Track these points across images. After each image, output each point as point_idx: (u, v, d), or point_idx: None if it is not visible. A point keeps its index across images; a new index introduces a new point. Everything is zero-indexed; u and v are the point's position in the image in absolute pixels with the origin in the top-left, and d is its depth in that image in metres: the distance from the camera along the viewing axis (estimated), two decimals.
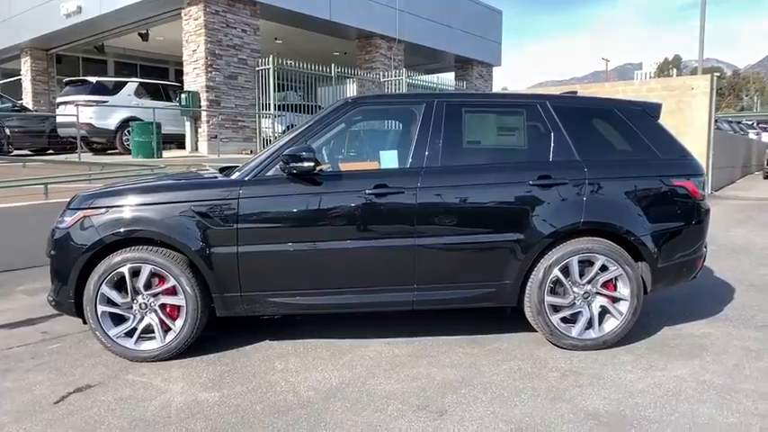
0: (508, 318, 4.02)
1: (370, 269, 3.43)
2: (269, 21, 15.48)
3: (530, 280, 3.47)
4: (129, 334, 3.41)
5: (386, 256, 3.41)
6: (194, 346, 3.57)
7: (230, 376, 3.21)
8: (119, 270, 3.34)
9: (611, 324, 3.52)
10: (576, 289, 3.49)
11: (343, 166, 3.71)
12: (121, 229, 3.34)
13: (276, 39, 19.20)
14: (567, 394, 2.93)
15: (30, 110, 15.26)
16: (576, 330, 3.49)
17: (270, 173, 3.42)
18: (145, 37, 17.42)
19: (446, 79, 20.96)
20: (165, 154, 11.46)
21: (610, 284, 3.53)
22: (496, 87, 17.80)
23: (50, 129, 13.00)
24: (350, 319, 4.11)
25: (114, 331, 3.39)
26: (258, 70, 14.14)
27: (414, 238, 3.39)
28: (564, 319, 3.53)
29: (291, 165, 3.29)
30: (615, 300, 3.52)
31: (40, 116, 13.67)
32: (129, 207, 3.39)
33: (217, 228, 3.35)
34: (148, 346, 3.41)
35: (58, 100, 13.19)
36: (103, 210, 3.40)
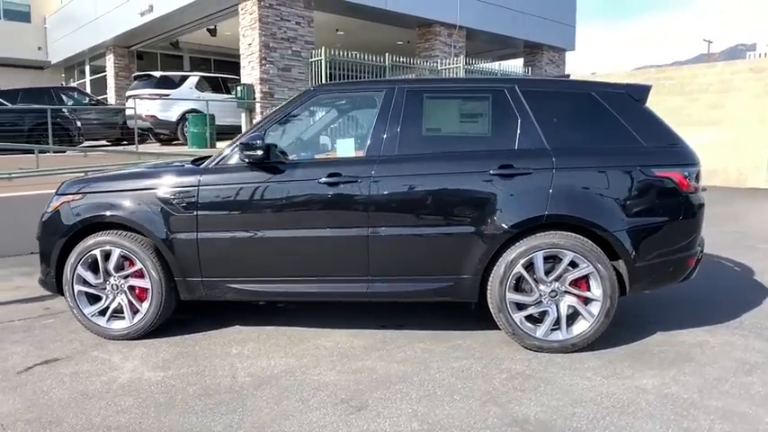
0: (487, 315, 3.85)
1: (324, 259, 3.40)
2: (325, 12, 15.66)
3: (491, 275, 3.29)
4: (102, 313, 3.60)
5: (339, 246, 3.36)
6: (167, 327, 3.73)
7: (183, 358, 3.31)
8: (92, 252, 3.53)
9: (580, 326, 3.27)
10: (542, 287, 3.27)
11: (317, 156, 3.70)
12: (92, 214, 3.53)
13: (338, 30, 19.41)
14: (503, 398, 2.76)
15: (105, 104, 16.44)
16: (540, 331, 3.28)
17: (231, 161, 3.47)
18: (213, 32, 18.23)
19: (512, 66, 20.28)
20: (219, 144, 11.95)
21: (582, 283, 3.27)
22: (575, 73, 16.86)
23: (123, 121, 13.95)
24: (329, 308, 4.10)
25: (89, 310, 3.60)
26: (311, 62, 14.37)
27: (367, 229, 3.32)
28: (530, 318, 3.32)
29: (245, 153, 3.32)
30: (587, 300, 3.27)
31: (114, 109, 14.72)
32: (101, 194, 3.58)
33: (178, 214, 3.45)
34: (118, 325, 3.59)
35: (128, 93, 14.13)
36: (80, 196, 3.61)
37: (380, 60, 15.56)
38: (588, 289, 3.26)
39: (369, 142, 3.40)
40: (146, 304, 3.55)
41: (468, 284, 3.33)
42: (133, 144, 11.79)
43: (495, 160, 3.27)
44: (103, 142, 14.14)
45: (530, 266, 3.25)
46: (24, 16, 25.22)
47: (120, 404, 2.74)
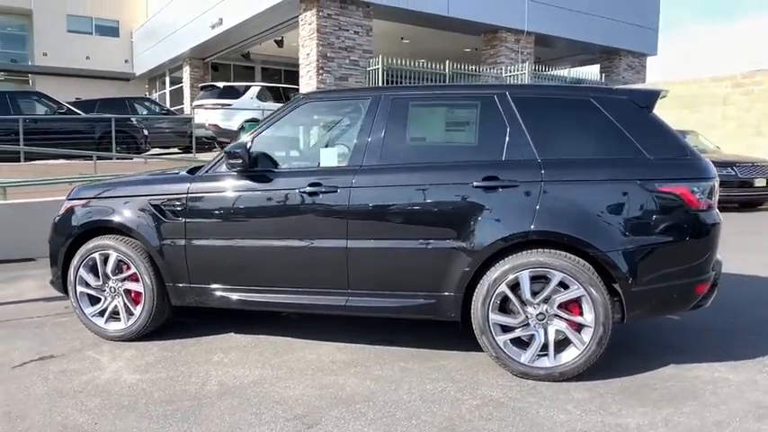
0: None
1: (304, 270, 3.35)
2: (385, 20, 15.76)
3: (474, 294, 3.11)
4: (102, 314, 3.73)
5: (319, 258, 3.30)
6: (165, 330, 3.83)
7: (165, 362, 3.36)
8: (92, 255, 3.68)
9: (570, 354, 3.01)
10: (529, 309, 3.05)
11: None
12: (93, 219, 3.67)
13: (403, 39, 19.50)
14: (464, 427, 2.58)
15: (174, 113, 17.35)
16: (526, 356, 3.05)
17: (220, 170, 3.51)
18: (280, 44, 18.82)
19: (586, 73, 19.45)
20: None
21: (574, 307, 3.02)
22: (663, 80, 15.78)
23: (191, 130, 14.66)
24: (327, 319, 4.04)
25: (89, 310, 3.74)
26: (369, 71, 14.48)
27: (346, 240, 3.23)
28: (518, 342, 3.10)
29: (229, 161, 3.34)
30: (578, 326, 3.01)
31: (183, 119, 15.48)
32: (103, 199, 3.72)
33: (168, 221, 3.52)
34: (114, 326, 3.70)
35: (194, 103, 14.84)
36: (84, 201, 3.77)
37: (440, 68, 15.44)
38: (580, 314, 3.00)
39: (351, 152, 3.32)
40: (139, 308, 3.65)
41: (450, 303, 3.16)
42: (203, 152, 12.36)
43: (480, 171, 3.08)
44: (175, 150, 14.93)
45: (515, 286, 3.04)
46: (113, 31, 27.22)
47: (87, 404, 2.81)
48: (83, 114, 11.59)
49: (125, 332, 3.68)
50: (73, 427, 2.58)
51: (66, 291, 3.82)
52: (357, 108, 3.41)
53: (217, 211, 3.45)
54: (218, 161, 3.51)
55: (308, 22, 14.19)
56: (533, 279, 3.02)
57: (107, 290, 3.72)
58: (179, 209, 3.50)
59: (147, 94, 27.04)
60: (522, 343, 3.10)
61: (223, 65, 23.74)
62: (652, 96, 3.09)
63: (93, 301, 3.76)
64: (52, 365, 3.32)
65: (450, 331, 3.76)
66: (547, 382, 3.03)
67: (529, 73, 16.16)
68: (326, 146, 3.45)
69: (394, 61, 14.46)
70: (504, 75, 16.67)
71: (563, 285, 2.98)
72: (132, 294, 3.68)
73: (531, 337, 3.06)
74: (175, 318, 4.15)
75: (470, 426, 2.58)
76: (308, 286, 3.35)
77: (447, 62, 15.46)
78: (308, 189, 3.27)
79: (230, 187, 3.43)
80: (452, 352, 3.48)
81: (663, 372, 3.20)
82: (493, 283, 3.04)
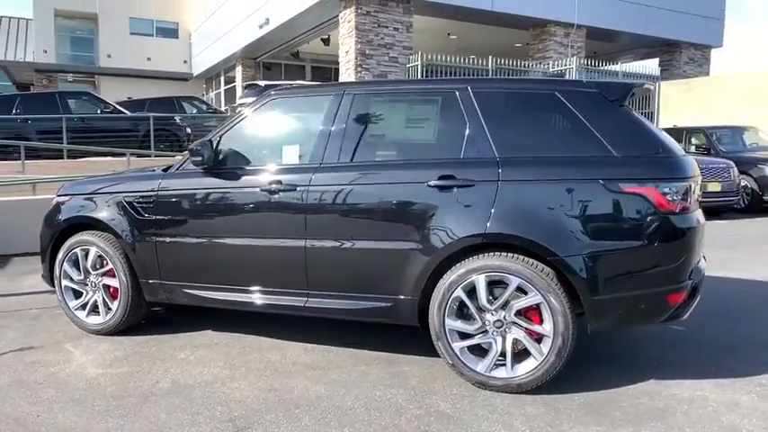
0: None
1: (266, 269, 3.31)
2: (429, 17, 15.54)
3: (431, 298, 2.96)
4: (83, 307, 3.84)
5: (279, 257, 3.25)
6: (148, 325, 3.93)
7: (133, 357, 3.41)
8: (74, 251, 3.79)
9: (528, 365, 2.82)
10: (487, 315, 2.88)
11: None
12: (74, 215, 3.78)
13: (449, 35, 19.17)
14: None
15: (222, 112, 17.80)
16: (482, 365, 2.88)
17: (188, 167, 3.52)
18: (327, 42, 18.94)
19: (641, 67, 18.48)
20: None
21: (534, 315, 2.82)
22: (724, 72, 14.69)
23: None
24: (305, 321, 3.98)
25: (73, 303, 3.86)
26: (408, 67, 14.32)
27: (304, 240, 3.16)
28: (477, 350, 2.94)
29: (192, 159, 3.35)
30: (539, 336, 2.81)
31: (227, 117, 15.88)
32: (83, 196, 3.82)
33: (140, 218, 3.57)
34: (94, 320, 3.80)
35: (237, 102, 15.17)
36: (69, 197, 3.89)
37: (483, 63, 15.05)
38: (541, 322, 2.80)
39: (312, 149, 3.24)
40: (116, 303, 3.72)
41: (407, 306, 3.03)
42: None
43: (436, 170, 2.93)
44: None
45: (472, 291, 2.87)
46: (173, 33, 28.28)
47: (40, 396, 2.89)
48: (128, 113, 12.08)
49: (103, 326, 3.77)
50: (16, 418, 2.65)
51: (53, 284, 3.95)
52: (323, 104, 3.32)
53: (182, 209, 3.47)
54: (187, 159, 3.52)
55: (348, 19, 14.19)
56: (492, 284, 2.85)
57: (89, 284, 3.82)
58: (150, 206, 3.54)
59: (204, 93, 27.97)
60: (482, 351, 2.94)
61: (275, 64, 24.18)
62: (624, 90, 2.84)
63: (77, 294, 3.87)
64: (27, 356, 3.44)
65: (423, 336, 3.63)
66: (504, 394, 2.85)
67: (577, 68, 15.48)
68: (291, 143, 3.39)
69: (433, 57, 14.21)
70: (551, 70, 16.07)
71: (523, 292, 2.80)
72: (111, 290, 3.76)
73: (490, 345, 2.89)
74: (165, 313, 4.25)
75: None
76: (268, 286, 3.31)
77: (490, 57, 15.05)
78: (268, 187, 3.22)
79: (195, 185, 3.43)
80: (419, 357, 3.35)
81: (638, 387, 2.95)
82: (448, 287, 2.89)
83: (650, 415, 2.65)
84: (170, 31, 28.34)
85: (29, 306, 4.49)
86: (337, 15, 14.95)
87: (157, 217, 3.52)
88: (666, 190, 2.66)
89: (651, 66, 19.91)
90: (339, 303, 3.17)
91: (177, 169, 3.56)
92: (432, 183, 2.91)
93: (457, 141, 2.98)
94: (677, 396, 2.85)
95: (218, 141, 3.45)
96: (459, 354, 2.92)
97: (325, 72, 24.25)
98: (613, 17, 17.70)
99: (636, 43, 20.22)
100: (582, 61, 16.33)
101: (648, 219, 2.66)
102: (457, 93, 3.02)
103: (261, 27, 18.40)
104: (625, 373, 3.11)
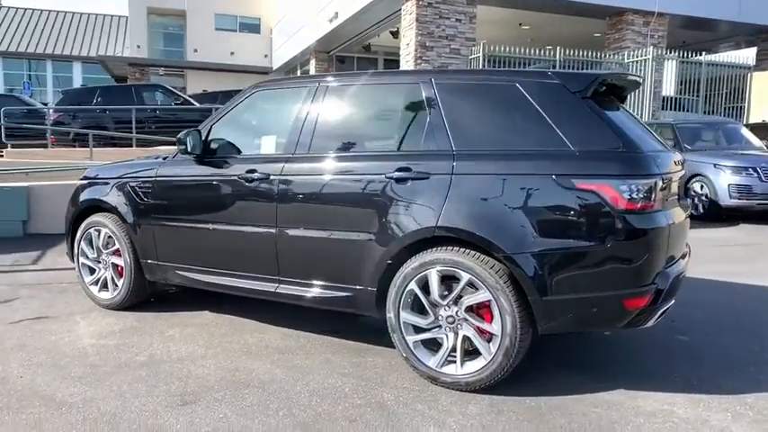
0: None
1: (243, 254, 3.45)
2: (497, 7, 15.16)
3: (389, 290, 2.96)
4: (96, 283, 4.17)
5: (254, 243, 3.37)
6: (157, 302, 4.21)
7: (128, 332, 3.66)
8: (89, 231, 4.12)
9: (477, 363, 2.75)
10: (440, 310, 2.84)
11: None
12: (90, 197, 4.11)
13: (521, 25, 18.61)
14: (321, 425, 2.50)
15: None
16: (434, 360, 2.85)
17: (181, 156, 3.71)
18: (395, 35, 18.94)
19: (731, 56, 17.01)
20: None
21: (486, 312, 2.75)
22: None
23: None
24: (298, 307, 4.11)
25: (88, 279, 4.20)
26: (470, 59, 14.05)
27: (276, 228, 3.26)
28: (432, 344, 2.91)
29: (178, 147, 3.53)
30: (489, 335, 2.74)
31: None
32: (100, 181, 4.13)
33: (140, 202, 3.82)
34: (104, 295, 4.12)
35: None
36: (87, 182, 4.22)
37: (549, 54, 14.50)
38: (492, 321, 2.72)
39: (287, 140, 3.33)
40: (122, 281, 4.01)
41: (366, 297, 3.05)
42: None
43: (395, 162, 2.92)
44: None
45: (426, 285, 2.84)
46: (255, 28, 29.43)
47: (33, 360, 3.19)
48: (196, 105, 12.79)
49: (110, 302, 4.07)
50: (1, 379, 2.95)
51: (74, 261, 4.32)
52: (299, 96, 3.39)
53: (173, 195, 3.68)
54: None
55: (409, 12, 14.15)
56: (445, 279, 2.81)
57: (101, 262, 4.14)
58: (148, 191, 3.78)
59: None
60: (437, 346, 2.90)
61: (347, 57, 24.57)
62: (588, 81, 2.67)
63: (92, 271, 4.20)
64: (39, 324, 3.79)
65: None
66: (454, 391, 2.81)
67: (653, 58, 14.54)
68: (270, 134, 3.49)
69: (496, 48, 13.86)
70: (625, 61, 15.19)
71: (475, 288, 2.73)
72: (118, 268, 4.06)
73: (442, 340, 2.85)
74: (176, 293, 4.50)
75: (329, 426, 2.49)
76: (245, 271, 3.45)
77: (557, 48, 14.46)
78: (246, 176, 3.34)
79: (184, 173, 3.64)
80: (389, 349, 3.33)
81: (600, 396, 2.79)
82: (403, 279, 2.88)
83: (595, 426, 2.51)
84: (252, 26, 29.51)
85: (60, 280, 4.93)
86: (400, 9, 14.95)
87: (154, 202, 3.75)
88: (623, 187, 2.48)
89: (745, 55, 18.27)
90: (305, 291, 3.24)
91: (174, 157, 3.77)
92: (389, 175, 2.90)
93: (419, 133, 2.95)
94: (639, 408, 2.67)
95: (209, 131, 3.61)
96: (412, 347, 2.90)
97: (397, 64, 24.32)
98: (701, 4, 16.39)
99: (733, 31, 18.61)
100: (661, 51, 15.31)
101: (602, 217, 2.50)
102: (420, 85, 2.98)
103: (331, 21, 18.76)
104: (595, 380, 2.96)
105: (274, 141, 3.45)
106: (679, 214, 2.81)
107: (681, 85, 16.26)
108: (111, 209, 3.98)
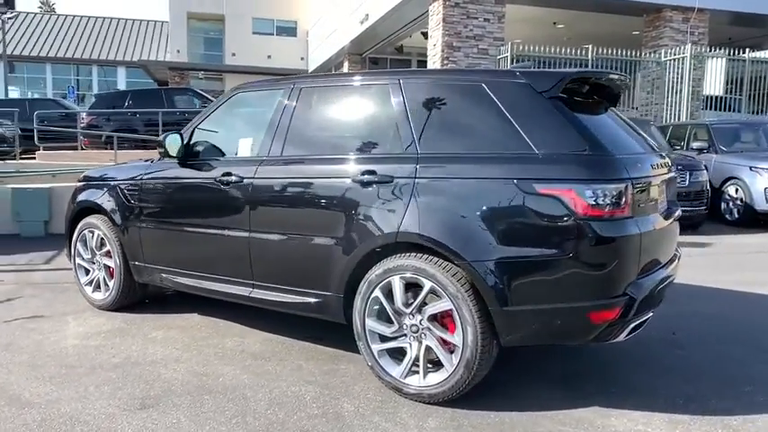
0: None
1: (220, 258, 3.44)
2: (529, 6, 14.85)
3: (355, 297, 2.89)
4: (90, 283, 4.25)
5: (229, 247, 3.36)
6: (150, 305, 4.25)
7: (113, 333, 3.71)
8: (83, 232, 4.20)
9: (439, 375, 2.65)
10: (405, 319, 2.74)
11: None
12: (84, 199, 4.19)
13: (555, 24, 18.18)
14: None
15: None
16: (398, 370, 2.76)
17: (166, 159, 3.73)
18: (426, 36, 18.85)
19: None
20: None
21: (450, 322, 2.64)
22: None
23: None
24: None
25: (83, 279, 4.29)
26: (498, 59, 13.79)
27: (249, 232, 3.23)
28: (397, 354, 2.81)
29: (159, 150, 3.55)
30: (451, 345, 2.62)
31: None
32: (94, 182, 4.21)
33: (128, 204, 3.87)
34: (97, 296, 4.19)
35: None
36: (83, 183, 4.31)
37: (581, 54, 14.08)
38: (455, 331, 2.61)
39: (261, 142, 3.30)
40: (112, 282, 4.07)
41: (334, 303, 2.98)
42: None
43: (361, 165, 2.84)
44: None
45: (391, 292, 2.75)
46: (292, 31, 29.82)
47: (15, 359, 3.26)
48: None
49: (102, 302, 4.14)
50: None
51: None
52: (275, 98, 3.35)
53: (157, 198, 3.71)
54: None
55: (436, 12, 14.01)
56: (410, 286, 2.71)
57: (95, 263, 4.22)
58: (135, 194, 3.83)
59: None
60: (404, 356, 2.80)
61: (380, 59, 24.57)
62: (556, 80, 2.52)
63: (87, 272, 4.29)
64: (31, 324, 3.89)
65: None
66: (418, 404, 2.71)
67: (691, 55, 13.92)
68: (247, 136, 3.46)
69: (525, 48, 13.55)
70: (662, 59, 14.61)
71: (438, 296, 2.62)
72: (110, 270, 4.12)
73: (405, 350, 2.76)
74: (171, 294, 4.54)
75: None
76: (221, 274, 3.43)
77: (590, 47, 14.03)
78: (222, 179, 3.33)
79: (167, 176, 3.66)
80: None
81: (571, 413, 2.64)
82: (368, 286, 2.80)
83: None
84: (289, 30, 29.91)
85: (65, 280, 5.05)
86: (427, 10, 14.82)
87: (139, 204, 3.79)
88: (588, 192, 2.33)
89: None
90: (276, 296, 3.20)
91: (159, 160, 3.80)
92: (356, 178, 2.83)
93: (387, 136, 2.87)
94: (610, 427, 2.51)
95: (191, 133, 3.62)
96: (377, 356, 2.82)
97: (427, 66, 24.18)
98: None
99: None
100: (701, 49, 14.66)
101: (565, 225, 2.35)
102: (389, 86, 2.89)
103: (362, 23, 18.80)
104: (570, 396, 2.80)
105: (250, 144, 3.42)
106: (660, 220, 2.63)
107: (727, 84, 15.51)
108: (102, 211, 4.05)
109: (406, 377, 2.73)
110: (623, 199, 2.37)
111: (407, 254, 2.69)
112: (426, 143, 2.71)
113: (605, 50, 14.22)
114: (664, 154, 3.18)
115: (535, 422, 2.55)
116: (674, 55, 14.45)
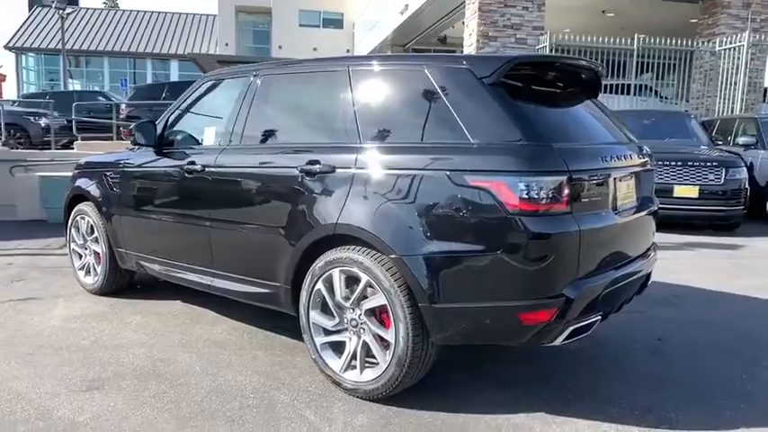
0: None
1: (184, 247, 3.48)
2: None
3: (301, 289, 2.85)
4: (82, 268, 4.40)
5: (191, 235, 3.39)
6: (141, 290, 4.38)
7: (95, 317, 3.81)
8: (76, 218, 4.35)
9: (374, 372, 2.58)
10: (346, 313, 2.69)
11: None
12: (75, 186, 4.33)
13: (604, 12, 17.44)
14: (197, 418, 2.44)
15: None
16: (337, 364, 2.71)
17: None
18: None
19: None
20: None
21: (387, 318, 2.56)
22: None
23: None
24: None
25: (77, 264, 4.44)
26: (537, 49, 13.34)
27: (209, 220, 3.25)
28: (340, 348, 2.76)
29: (130, 139, 3.62)
30: (386, 342, 2.55)
31: None
32: (86, 170, 4.34)
33: (112, 191, 3.97)
34: (88, 281, 4.33)
35: None
36: (78, 171, 4.46)
37: (626, 43, 13.43)
38: (391, 326, 2.53)
39: (223, 131, 3.30)
40: (100, 267, 4.20)
41: (283, 294, 2.95)
42: None
43: (307, 155, 2.79)
44: None
45: (332, 285, 2.70)
46: (338, 23, 29.96)
47: None
48: None
49: (92, 287, 4.28)
50: None
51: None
52: (238, 85, 3.33)
53: (133, 185, 3.79)
54: None
55: (472, 1, 13.70)
56: (351, 279, 2.65)
57: (87, 248, 4.36)
58: (116, 181, 3.92)
59: None
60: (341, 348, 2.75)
61: (425, 50, 24.35)
62: (498, 64, 2.38)
63: (80, 257, 4.44)
64: (23, 305, 4.06)
65: None
66: (354, 399, 2.65)
67: (749, 44, 13.02)
68: (212, 124, 3.47)
69: (565, 37, 13.06)
70: (717, 48, 13.74)
71: (375, 290, 2.55)
72: (98, 255, 4.25)
73: (345, 344, 2.70)
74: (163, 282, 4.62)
75: (204, 423, 2.44)
76: (186, 262, 3.47)
77: (636, 36, 13.36)
78: (187, 167, 3.36)
79: (142, 163, 3.72)
80: None
81: (512, 418, 2.51)
82: (311, 278, 2.76)
83: None
84: (335, 22, 30.06)
85: (69, 265, 5.25)
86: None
87: (119, 192, 3.89)
88: (521, 185, 2.19)
89: None
90: (234, 285, 3.20)
91: (138, 149, 3.87)
92: (301, 168, 2.78)
93: (334, 124, 2.81)
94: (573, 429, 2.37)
95: (167, 121, 3.67)
96: (320, 349, 2.78)
97: None
98: None
99: None
100: (762, 37, 13.70)
101: (495, 219, 2.22)
102: (338, 73, 2.82)
103: (402, 13, 18.67)
104: (521, 400, 2.67)
105: (214, 133, 3.43)
106: (621, 216, 2.46)
107: None
108: (91, 198, 4.17)
109: (344, 371, 2.68)
110: (560, 193, 2.22)
111: (347, 246, 2.62)
112: (369, 132, 2.63)
113: (653, 40, 13.52)
114: (640, 147, 2.97)
115: (468, 426, 2.44)
116: (730, 44, 13.57)
